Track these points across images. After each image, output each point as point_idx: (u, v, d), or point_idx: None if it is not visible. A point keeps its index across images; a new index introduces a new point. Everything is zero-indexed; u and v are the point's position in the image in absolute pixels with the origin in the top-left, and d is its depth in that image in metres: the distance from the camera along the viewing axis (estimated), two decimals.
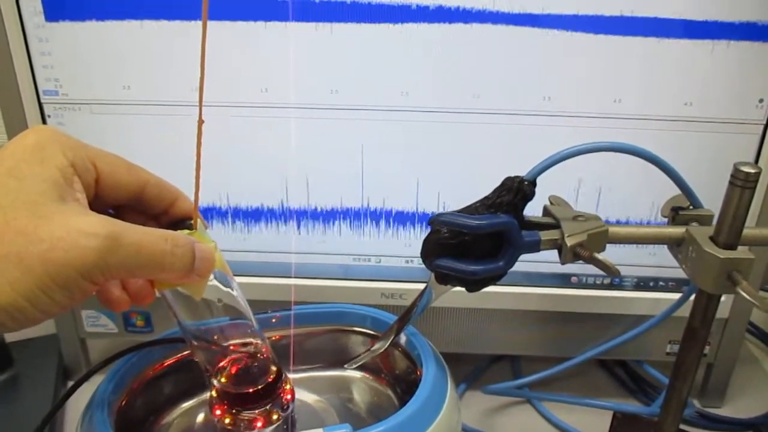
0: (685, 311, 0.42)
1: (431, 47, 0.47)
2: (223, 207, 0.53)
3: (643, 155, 0.38)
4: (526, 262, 0.53)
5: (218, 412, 0.38)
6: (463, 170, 0.51)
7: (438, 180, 0.52)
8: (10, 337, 0.61)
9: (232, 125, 0.50)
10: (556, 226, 0.37)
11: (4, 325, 0.27)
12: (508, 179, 0.36)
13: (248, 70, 0.48)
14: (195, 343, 0.37)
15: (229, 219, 0.54)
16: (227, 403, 0.38)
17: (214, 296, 0.36)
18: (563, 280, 0.55)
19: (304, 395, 0.45)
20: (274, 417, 0.39)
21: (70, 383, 0.42)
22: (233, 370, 0.38)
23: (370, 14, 0.46)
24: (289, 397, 0.40)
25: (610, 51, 0.47)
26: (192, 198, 0.34)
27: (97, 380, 0.40)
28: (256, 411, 0.38)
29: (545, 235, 0.36)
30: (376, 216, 0.53)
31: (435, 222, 0.36)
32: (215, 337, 0.37)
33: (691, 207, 0.40)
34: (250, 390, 0.38)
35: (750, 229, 0.36)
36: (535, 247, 0.36)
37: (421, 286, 0.40)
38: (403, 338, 0.45)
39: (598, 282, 0.55)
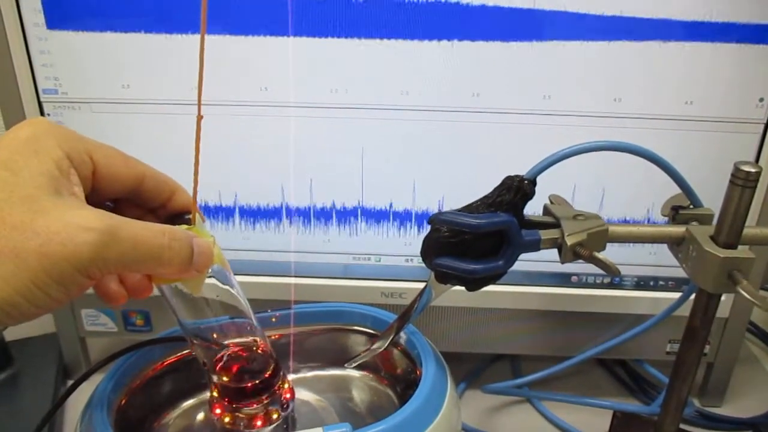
0: (685, 311, 0.42)
1: (431, 47, 0.47)
2: (223, 206, 0.53)
3: (644, 154, 0.38)
4: (526, 261, 0.53)
5: (218, 411, 0.38)
6: (463, 169, 0.51)
7: (438, 179, 0.52)
8: (10, 336, 0.61)
9: (233, 124, 0.50)
10: (556, 225, 0.37)
11: None
12: (509, 178, 0.36)
13: (248, 68, 0.48)
14: (194, 341, 0.37)
15: (229, 218, 0.54)
16: (226, 399, 0.38)
17: (212, 293, 0.36)
18: (563, 279, 0.55)
19: (303, 394, 0.45)
20: (274, 416, 0.39)
21: (70, 382, 0.42)
22: (231, 364, 0.38)
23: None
24: (288, 396, 0.40)
25: (611, 50, 0.46)
26: (190, 191, 0.34)
27: (96, 379, 0.40)
28: (255, 405, 0.38)
29: (545, 234, 0.36)
30: (375, 215, 0.53)
31: (435, 221, 0.36)
32: (214, 335, 0.37)
33: (691, 206, 0.40)
34: (248, 384, 0.38)
35: (750, 229, 0.36)
36: (535, 246, 0.36)
37: (421, 285, 0.40)
38: (402, 337, 0.44)
39: (598, 281, 0.55)
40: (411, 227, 0.54)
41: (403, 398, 0.41)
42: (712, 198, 0.39)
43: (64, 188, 0.29)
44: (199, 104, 0.32)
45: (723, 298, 0.46)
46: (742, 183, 0.34)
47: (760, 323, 0.71)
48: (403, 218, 0.53)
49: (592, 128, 0.49)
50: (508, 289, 0.55)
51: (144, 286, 0.34)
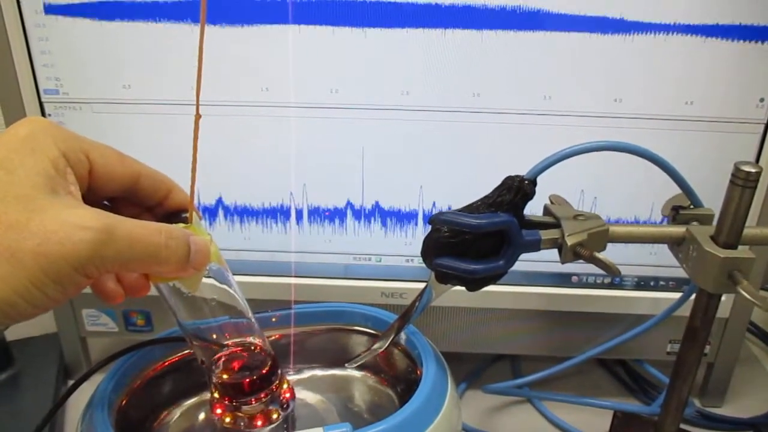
0: (685, 311, 0.42)
1: (431, 46, 0.47)
2: (223, 206, 0.53)
3: (644, 154, 0.38)
4: (526, 262, 0.53)
5: (219, 410, 0.38)
6: (463, 169, 0.51)
7: (438, 179, 0.52)
8: (10, 336, 0.61)
9: (233, 124, 0.50)
10: (556, 225, 0.37)
11: None
12: (509, 178, 0.36)
13: (248, 69, 0.48)
14: (193, 341, 0.37)
15: (229, 218, 0.54)
16: (226, 399, 0.38)
17: (210, 292, 0.36)
18: (563, 279, 0.55)
19: (304, 394, 0.45)
20: (274, 416, 0.39)
21: (71, 382, 0.42)
22: (230, 363, 0.38)
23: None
24: (288, 395, 0.40)
25: (611, 50, 0.47)
26: (186, 190, 0.34)
27: (97, 379, 0.40)
28: (254, 403, 0.38)
29: (545, 234, 0.36)
30: (376, 215, 0.53)
31: (435, 221, 0.36)
32: (213, 335, 0.37)
33: (691, 206, 0.40)
34: (246, 380, 0.38)
35: (750, 229, 0.36)
36: (535, 246, 0.36)
37: (422, 285, 0.40)
38: (403, 337, 0.45)
39: (598, 281, 0.55)
40: (411, 227, 0.54)
41: (404, 398, 0.41)
42: (712, 198, 0.39)
43: (60, 187, 0.29)
44: (198, 103, 0.32)
45: (723, 298, 0.46)
46: (743, 183, 0.34)
47: (761, 323, 0.71)
48: (403, 218, 0.53)
49: (592, 128, 0.49)
50: (508, 290, 0.55)
51: (141, 284, 0.34)
